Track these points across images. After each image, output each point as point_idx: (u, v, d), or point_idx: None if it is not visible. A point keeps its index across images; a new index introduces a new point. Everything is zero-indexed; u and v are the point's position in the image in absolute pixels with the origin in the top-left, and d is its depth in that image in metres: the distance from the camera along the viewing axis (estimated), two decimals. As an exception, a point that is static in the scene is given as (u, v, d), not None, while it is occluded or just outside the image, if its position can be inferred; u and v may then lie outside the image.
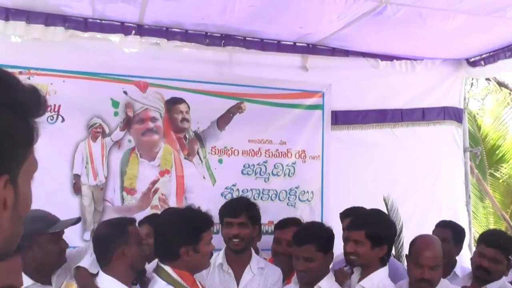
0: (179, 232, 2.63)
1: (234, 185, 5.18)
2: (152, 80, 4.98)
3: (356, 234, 3.02)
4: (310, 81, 5.36)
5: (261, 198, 5.22)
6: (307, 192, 5.41)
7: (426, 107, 5.73)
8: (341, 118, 5.56)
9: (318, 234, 3.11)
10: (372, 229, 2.99)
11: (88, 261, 2.88)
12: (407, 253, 3.12)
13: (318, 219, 5.21)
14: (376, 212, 3.30)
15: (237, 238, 3.49)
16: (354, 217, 3.39)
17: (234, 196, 4.98)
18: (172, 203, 4.98)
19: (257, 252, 3.83)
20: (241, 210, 3.55)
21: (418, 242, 3.06)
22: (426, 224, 4.67)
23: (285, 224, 4.01)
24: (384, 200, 5.26)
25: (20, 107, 0.73)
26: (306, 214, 5.29)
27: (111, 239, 2.69)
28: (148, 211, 4.84)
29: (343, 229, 3.73)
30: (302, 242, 3.07)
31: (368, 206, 3.81)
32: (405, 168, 5.54)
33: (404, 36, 4.82)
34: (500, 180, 9.81)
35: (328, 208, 5.37)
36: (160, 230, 2.73)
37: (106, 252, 2.69)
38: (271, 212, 5.15)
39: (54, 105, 4.55)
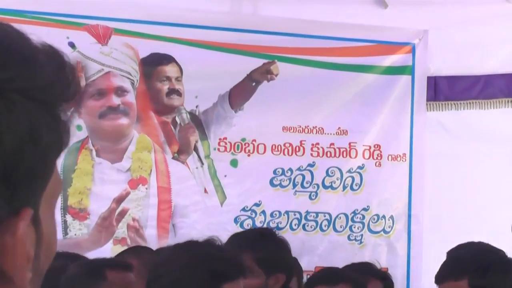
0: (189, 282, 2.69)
1: (257, 205, 5.06)
2: (119, 24, 4.92)
3: (454, 285, 3.03)
4: (391, 26, 5.30)
5: (304, 228, 5.10)
6: (384, 217, 5.25)
7: None
8: (445, 90, 5.39)
9: None
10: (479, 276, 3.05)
11: None
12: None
13: (402, 266, 5.20)
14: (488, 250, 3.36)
15: None
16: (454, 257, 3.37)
17: (257, 223, 5.00)
18: (151, 234, 4.92)
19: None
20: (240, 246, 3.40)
21: None
22: None
23: (332, 278, 3.68)
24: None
25: (42, 90, 0.75)
26: (381, 256, 5.12)
27: None
28: (108, 249, 4.77)
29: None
30: None
31: (491, 240, 3.67)
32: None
33: None
34: None
35: (419, 245, 5.21)
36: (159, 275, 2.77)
37: None
38: (321, 252, 5.11)
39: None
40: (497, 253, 3.35)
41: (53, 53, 0.79)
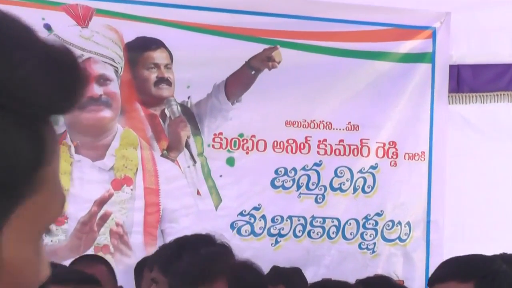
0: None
1: (257, 209, 5.08)
2: (101, 4, 4.95)
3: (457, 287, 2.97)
4: (409, 8, 5.37)
5: (309, 235, 5.12)
6: (400, 224, 5.28)
7: None
8: (469, 80, 5.44)
9: None
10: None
11: None
12: None
13: (420, 278, 5.22)
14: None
15: None
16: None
17: (256, 230, 5.05)
18: (136, 241, 4.96)
19: None
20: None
21: None
22: None
23: None
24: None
25: (19, 98, 0.74)
26: (396, 267, 5.22)
27: None
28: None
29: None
30: None
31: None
32: None
33: None
34: None
35: (439, 255, 5.04)
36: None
37: None
38: (329, 262, 5.15)
39: None
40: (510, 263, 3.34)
41: (58, 55, 0.76)
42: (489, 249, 4.83)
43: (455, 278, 2.97)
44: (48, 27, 4.75)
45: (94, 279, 2.97)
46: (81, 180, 4.86)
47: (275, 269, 4.40)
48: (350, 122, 5.22)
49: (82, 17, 4.85)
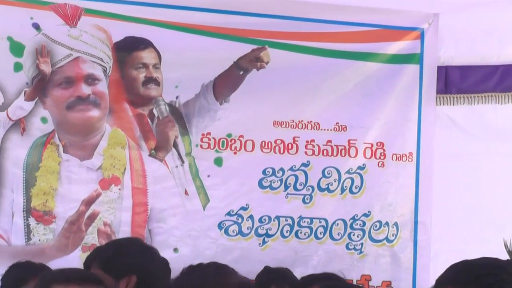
0: None
1: (244, 209, 5.08)
2: (89, 3, 4.92)
3: None
4: (397, 9, 5.32)
5: (297, 235, 5.12)
6: (387, 224, 5.27)
7: None
8: (457, 82, 5.44)
9: None
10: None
11: None
12: None
13: (407, 279, 5.25)
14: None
15: None
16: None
17: (244, 230, 5.05)
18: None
19: None
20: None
21: None
22: None
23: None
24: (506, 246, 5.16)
25: None
26: (383, 268, 5.22)
27: None
28: (76, 256, 4.77)
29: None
30: None
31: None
32: None
33: None
34: None
35: (426, 255, 5.22)
36: None
37: None
38: (316, 263, 5.13)
39: None
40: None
41: None
42: (476, 250, 4.92)
43: (456, 283, 2.87)
44: (36, 27, 4.75)
45: (96, 278, 2.98)
46: (69, 180, 4.83)
47: (266, 270, 4.45)
48: (338, 123, 5.20)
49: (71, 17, 4.81)
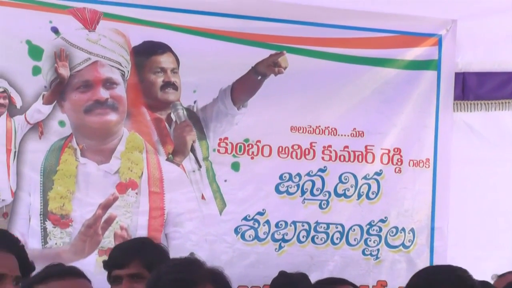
0: None
1: (261, 214, 5.09)
2: (108, 8, 4.91)
3: None
4: (415, 15, 5.31)
5: (313, 240, 5.14)
6: (404, 230, 5.28)
7: None
8: (474, 88, 5.44)
9: None
10: None
11: None
12: None
13: None
14: None
15: None
16: None
17: (260, 235, 5.07)
18: None
19: None
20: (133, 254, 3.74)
21: None
22: None
23: None
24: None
25: None
26: (399, 274, 5.20)
27: None
28: (93, 260, 4.79)
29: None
30: None
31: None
32: None
33: None
34: None
35: (443, 261, 5.04)
36: None
37: None
38: (332, 268, 5.14)
39: None
40: None
41: None
42: (493, 256, 4.98)
43: None
44: (55, 30, 4.75)
45: (77, 271, 2.91)
46: (86, 183, 4.84)
47: (281, 274, 4.46)
48: (355, 129, 5.21)
49: (90, 21, 4.82)
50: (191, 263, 2.89)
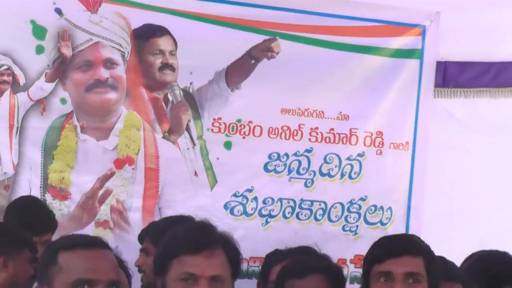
0: None
1: (250, 191, 5.12)
2: None
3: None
4: (400, 6, 5.26)
5: (298, 217, 5.18)
6: (382, 208, 5.31)
7: None
8: (455, 76, 5.43)
9: None
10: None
11: None
12: None
13: None
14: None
15: (139, 271, 3.90)
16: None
17: (248, 210, 5.12)
18: (135, 217, 5.01)
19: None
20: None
21: None
22: None
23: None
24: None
25: None
26: None
27: None
28: (89, 231, 4.84)
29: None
30: None
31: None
32: None
33: None
34: None
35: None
36: None
37: None
38: (314, 242, 4.75)
39: None
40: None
41: None
42: (464, 237, 4.89)
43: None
44: (59, 11, 4.73)
45: (102, 241, 2.93)
46: (86, 159, 4.83)
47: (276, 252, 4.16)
48: (341, 112, 5.22)
49: (92, 3, 4.79)
50: (205, 227, 2.96)
